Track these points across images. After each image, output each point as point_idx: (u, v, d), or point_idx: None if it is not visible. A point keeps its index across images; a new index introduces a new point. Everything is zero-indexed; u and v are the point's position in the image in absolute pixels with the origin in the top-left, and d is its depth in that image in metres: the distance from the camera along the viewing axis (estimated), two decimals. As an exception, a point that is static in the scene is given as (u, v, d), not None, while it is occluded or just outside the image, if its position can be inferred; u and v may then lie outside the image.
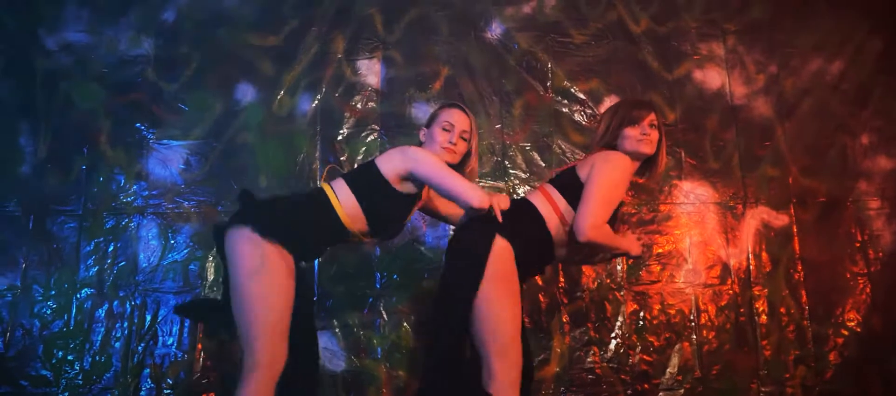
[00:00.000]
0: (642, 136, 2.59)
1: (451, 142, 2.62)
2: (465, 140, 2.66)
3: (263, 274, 2.42)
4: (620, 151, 2.59)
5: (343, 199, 2.57)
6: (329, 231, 2.59)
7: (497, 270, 2.43)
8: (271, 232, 2.44)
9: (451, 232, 2.82)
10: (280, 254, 2.45)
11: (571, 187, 2.56)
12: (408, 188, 2.60)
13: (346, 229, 2.58)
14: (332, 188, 2.60)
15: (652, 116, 2.63)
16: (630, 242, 2.65)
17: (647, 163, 2.69)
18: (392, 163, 2.56)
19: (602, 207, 2.46)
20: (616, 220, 2.63)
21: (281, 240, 2.45)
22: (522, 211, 2.58)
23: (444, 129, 2.64)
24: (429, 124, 2.73)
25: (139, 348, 3.30)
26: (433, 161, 2.53)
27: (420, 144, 2.73)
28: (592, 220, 2.43)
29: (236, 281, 2.43)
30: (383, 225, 2.65)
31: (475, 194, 2.46)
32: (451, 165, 2.67)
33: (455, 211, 2.93)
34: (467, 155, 2.73)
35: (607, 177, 2.49)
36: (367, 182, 2.59)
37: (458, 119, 2.67)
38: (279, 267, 2.44)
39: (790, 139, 3.63)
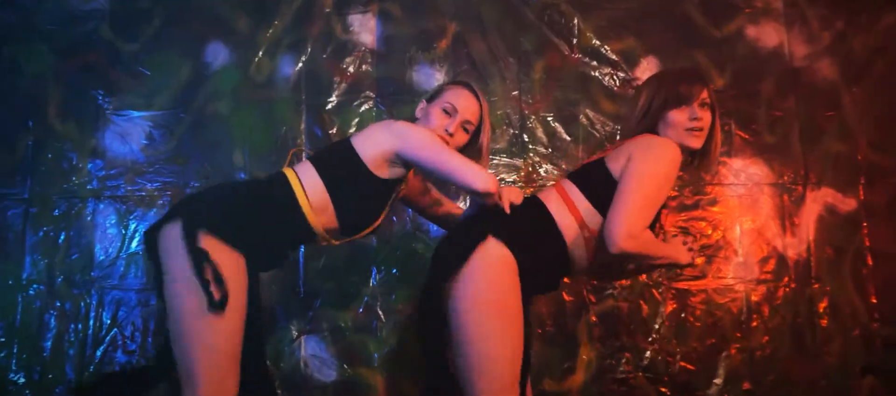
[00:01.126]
0: (692, 123, 2.10)
1: (447, 131, 2.21)
2: (466, 131, 2.26)
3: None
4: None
5: (309, 187, 2.15)
6: (289, 228, 2.18)
7: (489, 285, 1.98)
8: (215, 229, 2.01)
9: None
10: (227, 256, 2.02)
11: (599, 185, 2.09)
12: (392, 173, 2.19)
13: (309, 226, 2.16)
14: (295, 173, 2.18)
15: (703, 94, 2.13)
16: (677, 250, 2.17)
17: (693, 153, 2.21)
18: (374, 142, 2.15)
19: (642, 211, 1.98)
20: (657, 223, 2.16)
21: (228, 241, 2.03)
22: (530, 212, 2.10)
23: (444, 112, 2.24)
24: (430, 99, 2.33)
25: (97, 354, 2.97)
26: (427, 138, 2.13)
27: (414, 120, 2.33)
28: (629, 227, 1.94)
29: (173, 296, 2.00)
30: (355, 221, 2.24)
31: (480, 176, 2.04)
32: None
33: (449, 210, 2.54)
34: (473, 153, 2.31)
35: (650, 172, 2.01)
36: (339, 166, 2.17)
37: (464, 102, 2.26)
38: (227, 276, 2.01)
39: (859, 108, 3.19)
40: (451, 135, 2.22)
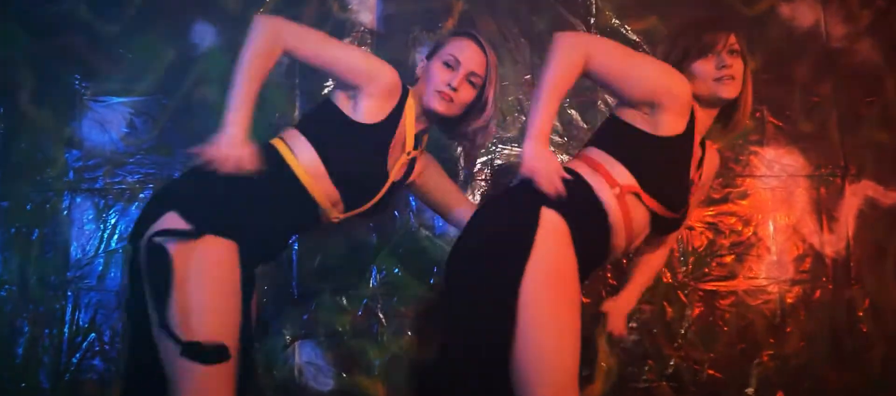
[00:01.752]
0: (720, 72, 1.93)
1: (450, 86, 2.03)
2: (473, 84, 2.07)
3: (201, 287, 1.80)
4: (696, 98, 1.97)
5: (301, 155, 1.99)
6: (290, 207, 2.01)
7: (551, 263, 1.79)
8: (204, 219, 1.83)
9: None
10: (219, 250, 1.85)
11: (622, 137, 1.94)
12: (367, 113, 2.01)
13: (312, 201, 1.99)
14: (285, 143, 2.03)
15: (731, 39, 1.95)
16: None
17: (723, 109, 2.03)
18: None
19: (608, 45, 1.99)
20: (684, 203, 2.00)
21: (221, 231, 1.85)
22: (568, 183, 1.88)
23: (445, 65, 2.07)
24: (430, 55, 2.16)
25: (73, 361, 2.80)
26: (303, 30, 2.04)
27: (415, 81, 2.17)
28: (586, 38, 2.05)
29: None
30: (356, 184, 2.05)
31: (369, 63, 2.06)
32: (448, 118, 2.10)
33: (451, 204, 2.35)
34: (478, 108, 2.12)
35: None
36: (322, 122, 2.03)
37: (468, 53, 2.07)
38: (221, 274, 1.84)
39: None
40: (454, 89, 2.03)
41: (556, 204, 1.83)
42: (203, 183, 1.93)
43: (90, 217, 2.88)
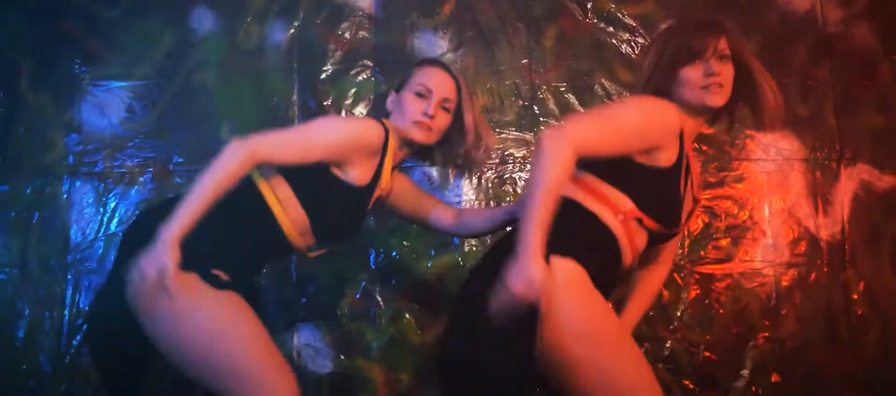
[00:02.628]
0: (707, 80, 1.86)
1: (426, 114, 2.05)
2: (446, 110, 2.09)
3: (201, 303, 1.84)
4: (676, 102, 1.90)
5: (286, 203, 2.02)
6: (265, 247, 2.07)
7: (586, 308, 1.77)
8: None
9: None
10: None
11: (618, 169, 1.88)
12: (357, 178, 2.04)
13: (290, 244, 2.06)
14: (270, 187, 2.02)
15: (721, 43, 1.88)
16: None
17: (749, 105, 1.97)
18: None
19: (592, 124, 1.81)
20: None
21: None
22: (572, 216, 1.86)
23: (417, 95, 2.08)
24: (399, 87, 2.17)
25: (73, 343, 2.82)
26: (346, 128, 2.04)
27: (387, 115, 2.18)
28: (570, 129, 1.75)
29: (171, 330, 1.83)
30: (336, 231, 2.12)
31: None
32: (431, 146, 2.14)
33: (426, 210, 2.31)
34: (459, 133, 2.14)
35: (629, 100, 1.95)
36: (311, 180, 2.01)
37: (437, 79, 2.10)
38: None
39: None
40: (431, 117, 2.05)
41: (565, 246, 1.77)
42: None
43: (90, 200, 2.90)
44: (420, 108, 2.06)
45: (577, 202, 1.88)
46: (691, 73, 1.87)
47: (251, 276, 2.14)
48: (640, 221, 1.89)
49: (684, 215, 2.00)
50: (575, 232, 1.81)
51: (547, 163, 1.69)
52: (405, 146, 2.14)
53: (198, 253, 1.82)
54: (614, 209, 1.87)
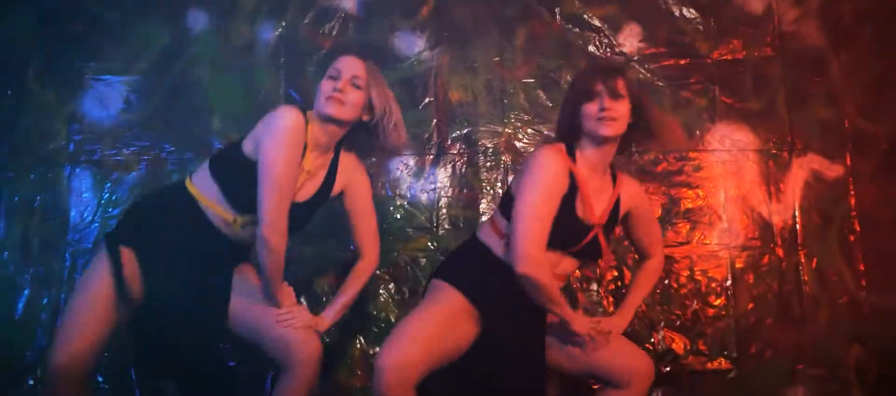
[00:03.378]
0: (600, 114, 2.17)
1: (335, 90, 2.23)
2: (356, 87, 2.26)
3: None
4: (586, 135, 2.23)
5: (206, 191, 2.31)
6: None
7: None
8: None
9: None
10: None
11: (506, 203, 2.26)
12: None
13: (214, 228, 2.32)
14: (194, 184, 2.32)
15: (616, 85, 2.20)
16: (575, 314, 2.28)
17: (635, 134, 2.30)
18: (253, 137, 2.24)
19: (530, 229, 2.10)
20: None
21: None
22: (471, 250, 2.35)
23: (330, 78, 2.28)
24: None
25: None
26: (282, 138, 2.17)
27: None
28: (521, 249, 2.09)
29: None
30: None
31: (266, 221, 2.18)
32: (354, 130, 2.35)
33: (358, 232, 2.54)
34: (369, 110, 2.32)
35: (529, 189, 2.14)
36: (231, 166, 2.29)
37: (347, 63, 2.30)
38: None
39: (847, 74, 3.11)
40: (341, 91, 2.22)
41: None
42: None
43: (89, 186, 3.04)
44: (331, 87, 2.23)
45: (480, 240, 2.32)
46: (589, 108, 2.20)
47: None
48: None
49: (591, 235, 2.26)
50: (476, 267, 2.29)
51: (539, 284, 2.09)
52: (329, 123, 2.27)
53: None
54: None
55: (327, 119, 2.26)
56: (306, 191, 2.32)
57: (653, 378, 2.36)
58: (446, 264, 2.42)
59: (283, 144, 2.16)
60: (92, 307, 2.19)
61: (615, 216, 2.34)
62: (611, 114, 2.17)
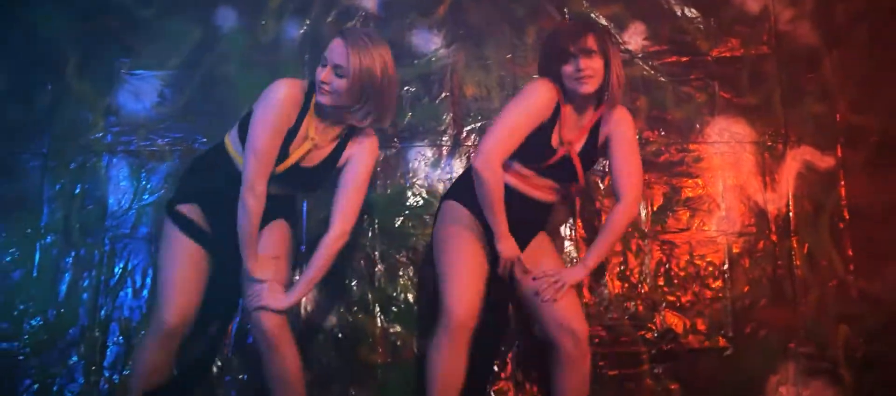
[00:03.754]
0: (577, 74, 2.35)
1: (320, 79, 2.34)
2: (339, 75, 2.33)
3: None
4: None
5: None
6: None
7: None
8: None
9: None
10: None
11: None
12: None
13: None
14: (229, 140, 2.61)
15: (588, 42, 2.35)
16: (508, 237, 2.51)
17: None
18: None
19: (498, 136, 2.40)
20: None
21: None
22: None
23: (322, 66, 2.38)
24: None
25: (108, 300, 3.09)
26: (267, 108, 2.39)
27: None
28: (485, 148, 2.39)
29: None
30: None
31: (245, 191, 2.45)
32: (339, 108, 2.41)
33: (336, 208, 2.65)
34: (360, 111, 2.43)
35: (512, 104, 2.45)
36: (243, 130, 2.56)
37: (334, 50, 2.35)
38: None
39: (839, 71, 3.26)
40: (325, 82, 2.33)
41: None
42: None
43: (125, 175, 3.18)
44: (319, 75, 2.36)
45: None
46: (567, 69, 2.38)
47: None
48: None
49: (559, 154, 2.49)
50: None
51: (486, 183, 2.36)
52: (325, 107, 2.43)
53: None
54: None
55: (323, 107, 2.43)
56: (313, 158, 2.51)
57: (584, 344, 2.52)
58: (456, 186, 2.74)
59: (267, 114, 2.36)
60: (181, 267, 2.43)
61: (594, 140, 2.55)
62: (587, 73, 2.35)
